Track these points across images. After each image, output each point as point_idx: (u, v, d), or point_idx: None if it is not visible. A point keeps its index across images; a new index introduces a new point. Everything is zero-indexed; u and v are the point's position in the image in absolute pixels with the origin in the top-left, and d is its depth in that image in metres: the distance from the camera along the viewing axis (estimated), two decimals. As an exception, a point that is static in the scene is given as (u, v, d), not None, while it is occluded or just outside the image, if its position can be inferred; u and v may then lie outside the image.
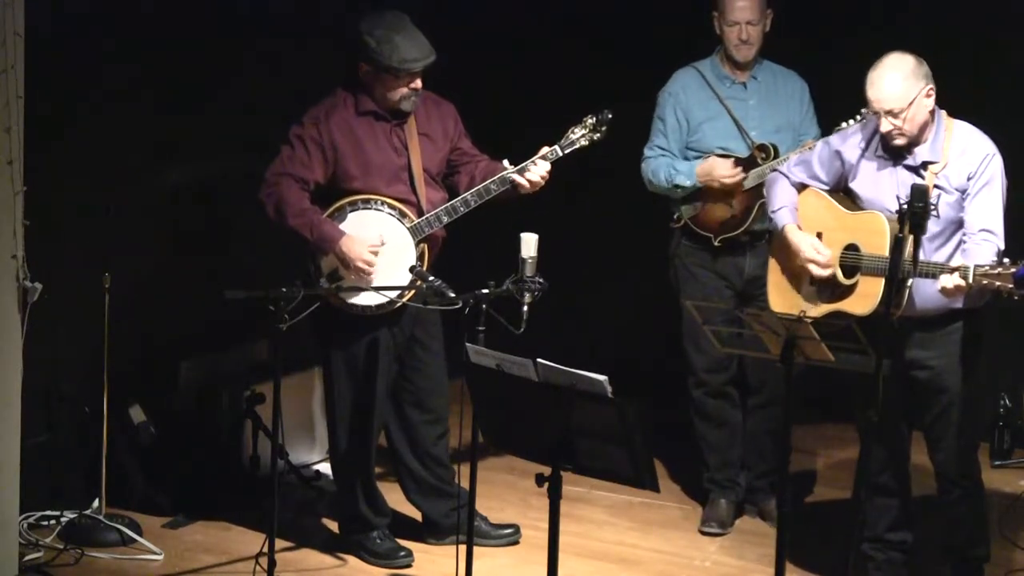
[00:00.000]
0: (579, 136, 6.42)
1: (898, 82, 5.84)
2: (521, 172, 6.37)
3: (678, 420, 7.20)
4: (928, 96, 5.87)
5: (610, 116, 6.41)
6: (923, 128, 5.93)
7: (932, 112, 5.92)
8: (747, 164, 6.74)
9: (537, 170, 6.37)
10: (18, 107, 5.98)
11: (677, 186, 6.83)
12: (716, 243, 6.83)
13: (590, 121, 6.43)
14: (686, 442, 7.19)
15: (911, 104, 5.85)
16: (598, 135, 6.43)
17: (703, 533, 6.95)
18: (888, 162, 6.01)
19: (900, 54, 5.89)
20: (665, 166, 6.86)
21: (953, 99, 6.08)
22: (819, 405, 7.40)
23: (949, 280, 5.64)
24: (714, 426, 7.02)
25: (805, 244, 6.10)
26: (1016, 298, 5.56)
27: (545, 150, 6.41)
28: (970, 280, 5.61)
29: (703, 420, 7.03)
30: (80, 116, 6.73)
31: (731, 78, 6.89)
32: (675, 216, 6.92)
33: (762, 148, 6.72)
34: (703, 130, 6.86)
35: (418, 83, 6.31)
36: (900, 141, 5.93)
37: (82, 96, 6.74)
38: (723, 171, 6.75)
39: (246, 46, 7.38)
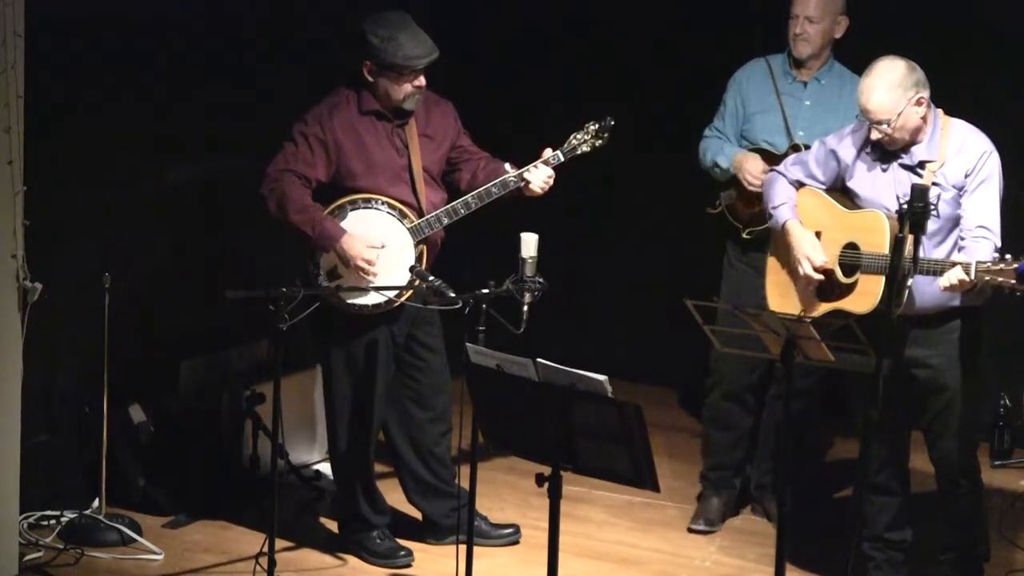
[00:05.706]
0: (580, 142, 6.39)
1: (886, 93, 5.83)
2: (522, 175, 6.36)
3: (677, 421, 7.19)
4: (919, 104, 5.86)
5: (612, 123, 6.38)
6: (917, 130, 5.93)
7: (926, 114, 5.91)
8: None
9: (539, 174, 6.36)
10: (18, 107, 5.98)
11: (716, 165, 6.82)
12: (745, 235, 6.80)
13: (592, 128, 6.40)
14: (686, 441, 7.18)
15: (899, 115, 5.85)
16: (600, 141, 6.40)
17: (691, 530, 6.93)
18: (885, 162, 6.01)
19: (890, 61, 5.88)
20: (715, 146, 6.84)
21: (952, 97, 6.08)
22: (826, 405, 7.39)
23: (952, 275, 5.63)
24: (721, 429, 6.99)
25: (805, 241, 6.09)
26: (1019, 293, 5.56)
27: (548, 154, 6.40)
28: (972, 277, 5.61)
29: (712, 420, 7.01)
30: (80, 116, 6.72)
31: (793, 75, 6.83)
32: (716, 203, 6.90)
33: (796, 148, 6.64)
34: (754, 121, 6.82)
35: (421, 81, 6.31)
36: (891, 147, 5.94)
37: (82, 96, 6.73)
38: (751, 168, 6.72)
39: (246, 45, 7.38)
